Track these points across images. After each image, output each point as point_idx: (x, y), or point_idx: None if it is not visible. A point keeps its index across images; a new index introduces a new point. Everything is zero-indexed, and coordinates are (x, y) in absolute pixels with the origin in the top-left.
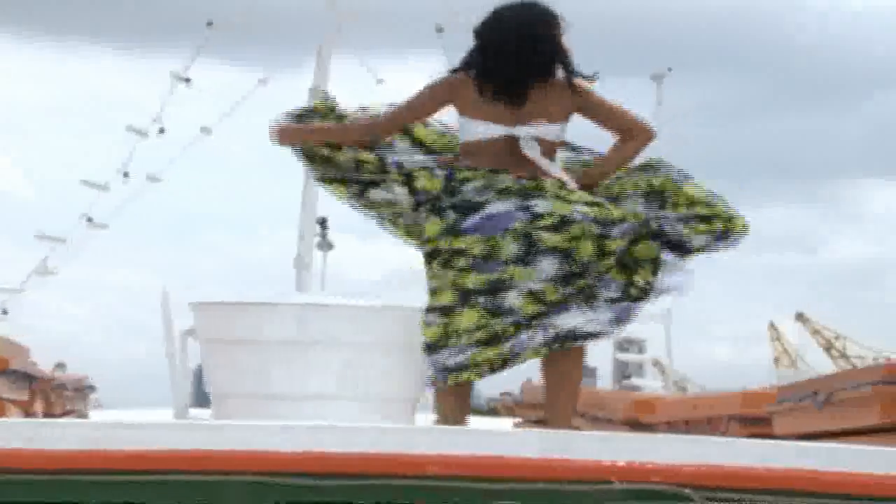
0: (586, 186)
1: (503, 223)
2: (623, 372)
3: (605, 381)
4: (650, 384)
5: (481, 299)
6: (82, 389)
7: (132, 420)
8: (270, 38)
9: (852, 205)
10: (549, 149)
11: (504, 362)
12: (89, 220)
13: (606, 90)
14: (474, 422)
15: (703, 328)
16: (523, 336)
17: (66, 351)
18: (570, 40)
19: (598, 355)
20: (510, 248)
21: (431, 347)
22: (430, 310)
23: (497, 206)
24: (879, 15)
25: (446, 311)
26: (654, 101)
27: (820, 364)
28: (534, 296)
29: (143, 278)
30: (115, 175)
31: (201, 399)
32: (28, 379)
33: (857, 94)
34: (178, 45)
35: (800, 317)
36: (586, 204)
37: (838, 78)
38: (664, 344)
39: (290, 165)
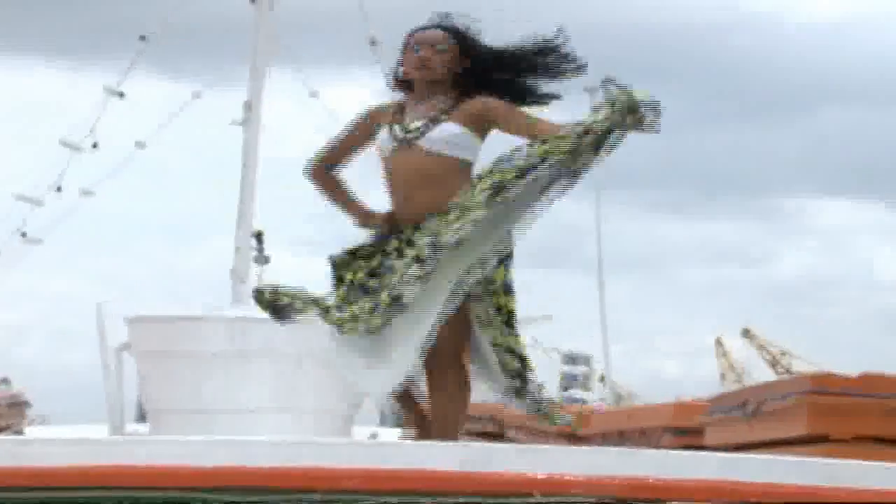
0: None
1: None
2: (566, 385)
3: (551, 394)
4: (591, 397)
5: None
6: (19, 405)
7: (59, 436)
8: (204, 51)
9: (794, 220)
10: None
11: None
12: (23, 235)
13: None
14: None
15: (648, 342)
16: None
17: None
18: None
19: (545, 369)
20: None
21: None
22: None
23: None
24: (824, 29)
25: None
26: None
27: (766, 380)
28: (413, 259)
29: (78, 287)
30: (47, 190)
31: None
32: None
33: (799, 108)
34: (110, 58)
35: (746, 332)
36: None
37: (782, 92)
38: (604, 358)
39: (227, 179)
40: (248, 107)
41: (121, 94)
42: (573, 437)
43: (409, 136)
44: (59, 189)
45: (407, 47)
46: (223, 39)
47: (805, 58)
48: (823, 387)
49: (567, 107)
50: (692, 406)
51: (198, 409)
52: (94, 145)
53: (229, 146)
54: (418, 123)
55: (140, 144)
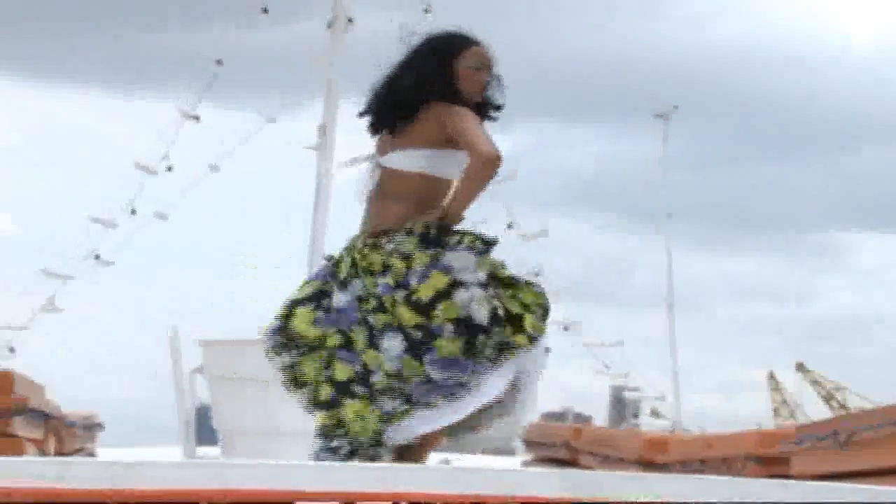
0: (445, 224)
1: (349, 317)
2: (629, 412)
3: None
4: (657, 423)
5: (357, 388)
6: (91, 427)
7: (144, 459)
8: (278, 76)
9: (840, 256)
10: (401, 178)
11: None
12: (97, 257)
13: (602, 132)
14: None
15: (685, 378)
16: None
17: (62, 391)
18: (464, 65)
19: (594, 402)
20: (359, 338)
21: (323, 433)
22: (315, 404)
23: (340, 299)
24: (866, 66)
25: (329, 406)
26: (657, 138)
27: (819, 416)
28: (393, 376)
29: (140, 317)
30: (121, 212)
31: (202, 437)
32: (43, 417)
33: (841, 145)
34: (172, 85)
35: (800, 367)
36: (382, 272)
37: (825, 129)
38: (670, 389)
39: (299, 203)
40: (323, 131)
41: (196, 118)
42: (650, 465)
43: None
44: (133, 211)
45: (453, 56)
46: (297, 66)
47: (847, 95)
48: None
49: (637, 130)
50: (777, 434)
51: (269, 431)
52: (169, 168)
53: (303, 171)
54: None
55: (213, 168)
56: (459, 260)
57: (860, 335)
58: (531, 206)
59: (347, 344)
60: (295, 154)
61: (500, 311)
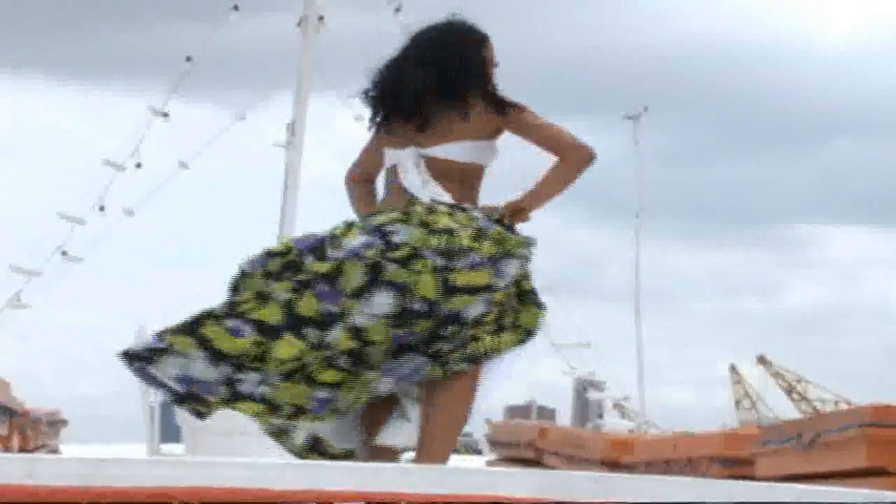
0: (517, 213)
1: (357, 251)
2: (594, 411)
3: (564, 422)
4: (622, 423)
5: (309, 330)
6: (55, 423)
7: (112, 456)
8: (248, 75)
9: (807, 250)
10: (448, 168)
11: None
12: (64, 253)
13: (581, 130)
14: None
15: (657, 372)
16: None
17: (27, 387)
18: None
19: (559, 395)
20: (354, 277)
21: (226, 357)
22: (241, 316)
23: (359, 238)
24: (839, 60)
25: (266, 330)
26: (629, 137)
27: (780, 407)
28: (354, 331)
29: (106, 315)
30: (90, 209)
31: (167, 434)
32: (9, 413)
33: (813, 139)
34: (143, 82)
35: (761, 360)
36: (441, 232)
37: (796, 124)
38: (636, 385)
39: (268, 199)
40: (292, 129)
41: (165, 115)
42: (615, 466)
43: None
44: (101, 208)
45: (490, 58)
46: (267, 63)
47: (819, 89)
48: (883, 419)
49: (609, 133)
50: (742, 435)
51: (234, 430)
52: (138, 165)
53: (271, 168)
54: None
55: (183, 165)
56: (511, 268)
57: (832, 328)
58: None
59: (332, 280)
60: (265, 151)
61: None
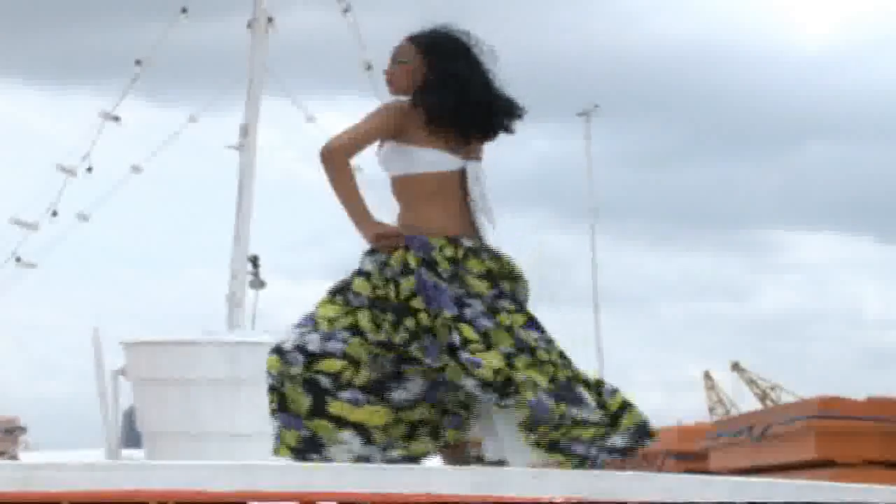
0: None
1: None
2: None
3: None
4: None
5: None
6: (13, 431)
7: (64, 461)
8: (198, 76)
9: (778, 254)
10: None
11: None
12: (18, 259)
13: (536, 129)
14: None
15: (627, 375)
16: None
17: None
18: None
19: None
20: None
21: (366, 429)
22: (348, 385)
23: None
24: (810, 63)
25: (374, 391)
26: (582, 136)
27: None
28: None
29: (66, 317)
30: (43, 214)
31: (132, 440)
32: None
33: (785, 142)
34: (97, 84)
35: (735, 366)
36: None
37: (767, 127)
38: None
39: (222, 203)
40: (245, 131)
41: (116, 119)
42: None
43: None
44: (54, 213)
45: None
46: (218, 65)
47: (790, 92)
48: (831, 410)
49: (558, 132)
50: (696, 430)
51: (193, 433)
52: (89, 169)
53: (224, 170)
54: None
55: (136, 168)
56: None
57: (803, 332)
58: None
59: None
60: (218, 153)
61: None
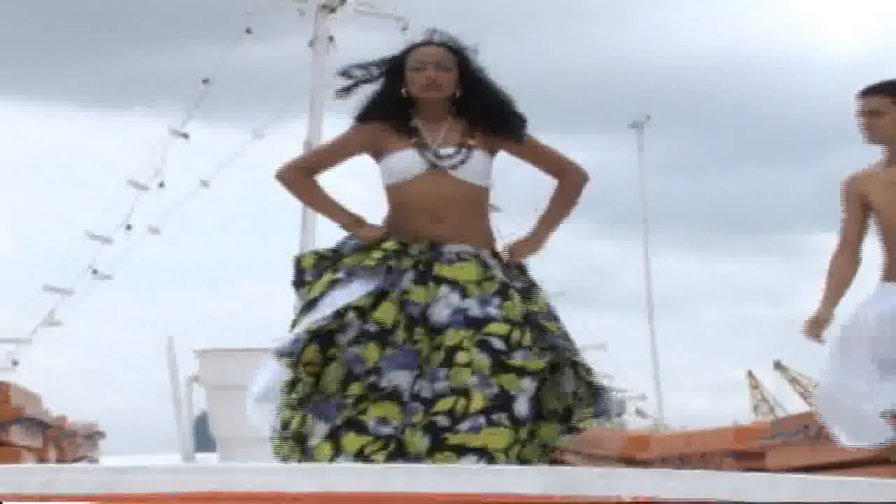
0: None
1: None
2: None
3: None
4: (641, 421)
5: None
6: (92, 436)
7: (143, 465)
8: (262, 94)
9: (815, 258)
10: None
11: None
12: (94, 271)
13: (582, 142)
14: None
15: (672, 379)
16: None
17: (63, 402)
18: None
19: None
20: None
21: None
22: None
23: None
24: (843, 69)
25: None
26: (636, 147)
27: (798, 412)
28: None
29: (137, 327)
30: (117, 228)
31: (203, 444)
32: (41, 426)
33: (818, 149)
34: (152, 106)
35: (777, 365)
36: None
37: (801, 133)
38: (652, 389)
39: (288, 216)
40: (308, 146)
41: (185, 136)
42: (631, 462)
43: (445, 162)
44: (128, 227)
45: (407, 65)
46: (279, 83)
47: (824, 99)
48: None
49: (613, 143)
50: (752, 430)
51: (264, 436)
52: (162, 184)
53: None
54: (450, 150)
55: (204, 183)
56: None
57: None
58: (521, 216)
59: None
60: None
61: None
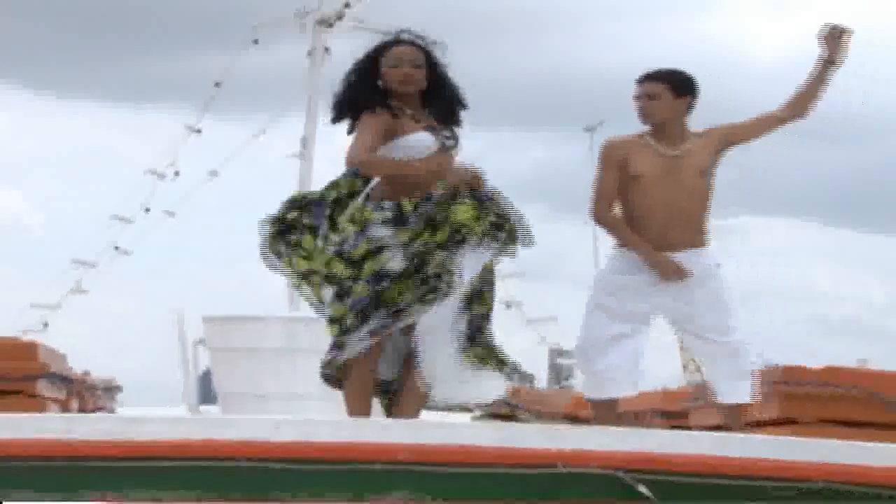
0: None
1: None
2: (561, 375)
3: (542, 385)
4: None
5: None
6: (111, 389)
7: (154, 415)
8: (265, 96)
9: (732, 236)
10: None
11: None
12: (116, 248)
13: (540, 141)
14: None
15: None
16: None
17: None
18: None
19: (536, 363)
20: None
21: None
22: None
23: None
24: (774, 74)
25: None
26: (589, 147)
27: None
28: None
29: (154, 298)
30: (138, 210)
31: (207, 398)
32: (65, 381)
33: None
34: (167, 105)
35: None
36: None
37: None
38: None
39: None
40: (304, 142)
41: (198, 131)
42: (575, 419)
43: (449, 142)
44: (147, 210)
45: (383, 62)
46: (281, 86)
47: (750, 99)
48: (793, 377)
49: (567, 140)
50: (677, 393)
51: (258, 393)
52: (176, 173)
53: (286, 176)
54: (446, 133)
55: (213, 173)
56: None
57: (756, 305)
58: None
59: None
60: (280, 162)
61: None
